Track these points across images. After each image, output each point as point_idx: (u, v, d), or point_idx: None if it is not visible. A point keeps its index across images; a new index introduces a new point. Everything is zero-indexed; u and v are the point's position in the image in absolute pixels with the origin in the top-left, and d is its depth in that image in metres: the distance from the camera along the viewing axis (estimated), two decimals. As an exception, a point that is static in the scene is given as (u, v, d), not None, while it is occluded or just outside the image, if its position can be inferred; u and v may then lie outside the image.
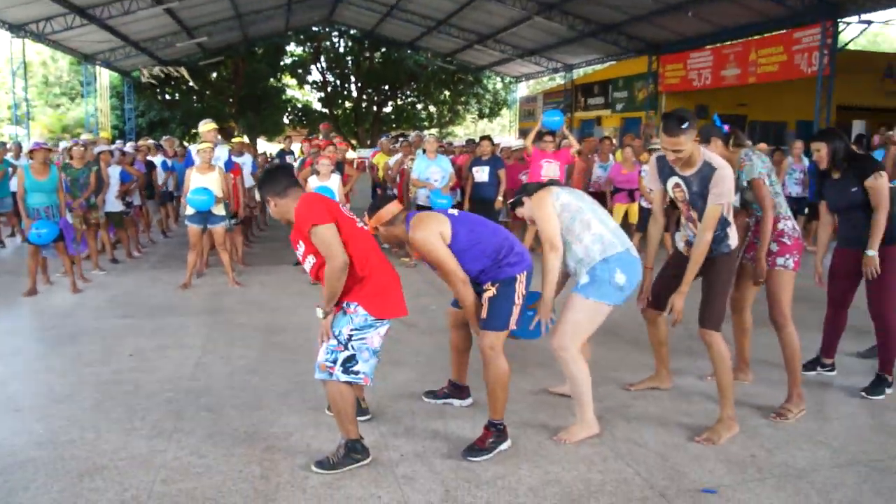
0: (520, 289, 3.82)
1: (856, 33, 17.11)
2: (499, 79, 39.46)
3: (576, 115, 28.97)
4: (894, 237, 4.58)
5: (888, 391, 4.69)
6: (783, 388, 4.46)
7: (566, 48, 25.95)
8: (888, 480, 3.54)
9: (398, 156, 11.00)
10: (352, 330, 3.53)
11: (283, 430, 4.10)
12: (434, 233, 3.75)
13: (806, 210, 10.95)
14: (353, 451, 3.63)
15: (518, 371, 4.65)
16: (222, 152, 9.16)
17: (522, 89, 40.38)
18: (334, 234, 3.42)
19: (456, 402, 4.50)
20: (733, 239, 4.07)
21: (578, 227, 3.94)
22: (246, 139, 20.81)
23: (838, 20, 16.33)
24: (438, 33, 28.90)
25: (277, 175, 3.69)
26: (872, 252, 4.52)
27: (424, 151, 9.85)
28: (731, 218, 4.04)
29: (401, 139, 13.41)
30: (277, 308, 7.16)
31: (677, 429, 4.13)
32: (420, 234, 3.75)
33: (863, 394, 4.68)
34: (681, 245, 4.35)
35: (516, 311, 3.83)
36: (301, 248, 3.62)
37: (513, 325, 3.85)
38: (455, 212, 4.06)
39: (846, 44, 17.24)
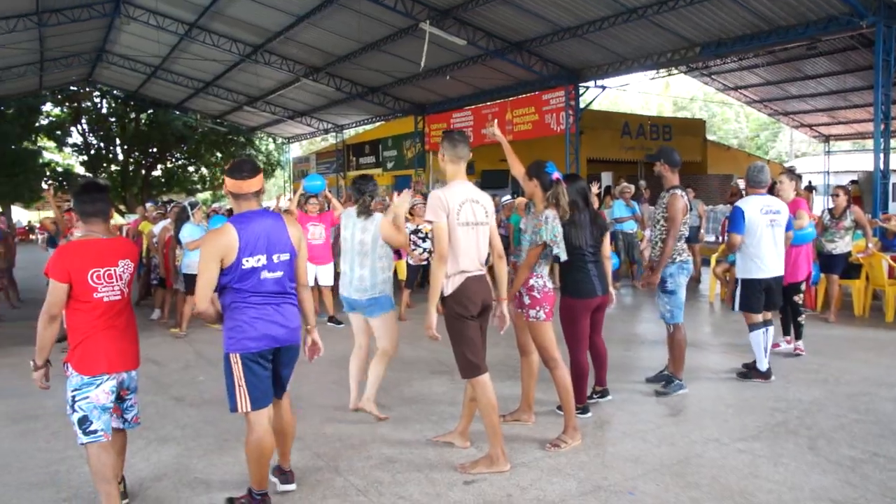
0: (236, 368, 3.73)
1: (595, 96, 19.02)
2: (271, 140, 39.27)
3: (348, 175, 29.49)
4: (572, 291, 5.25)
5: (683, 390, 5.73)
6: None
7: (336, 109, 26.49)
8: (622, 501, 3.94)
9: (164, 222, 10.63)
10: (73, 391, 3.55)
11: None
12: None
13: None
14: None
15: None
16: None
17: (295, 150, 40.52)
18: (54, 291, 3.48)
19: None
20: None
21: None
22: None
23: (579, 84, 18.14)
24: (206, 94, 28.40)
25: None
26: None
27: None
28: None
29: (170, 205, 12.92)
30: (29, 393, 6.58)
31: (442, 475, 4.32)
32: None
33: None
34: None
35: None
36: None
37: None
38: None
39: (588, 104, 19.10)
